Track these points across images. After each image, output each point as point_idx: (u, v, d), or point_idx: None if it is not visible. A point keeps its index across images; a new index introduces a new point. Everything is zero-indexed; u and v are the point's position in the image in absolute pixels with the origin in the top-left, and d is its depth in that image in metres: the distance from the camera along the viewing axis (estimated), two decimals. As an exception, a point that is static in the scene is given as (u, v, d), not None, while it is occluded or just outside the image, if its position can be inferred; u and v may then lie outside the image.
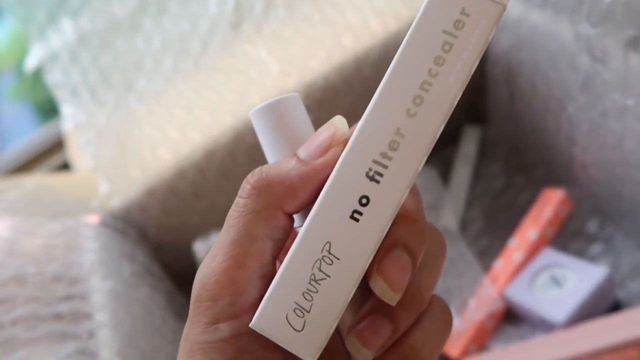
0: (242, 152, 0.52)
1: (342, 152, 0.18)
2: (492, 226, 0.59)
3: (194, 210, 0.53)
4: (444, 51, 0.18)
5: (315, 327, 0.17)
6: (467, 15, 0.17)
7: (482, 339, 0.51)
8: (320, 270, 0.17)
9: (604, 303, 0.48)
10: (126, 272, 0.45)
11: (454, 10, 0.17)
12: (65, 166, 0.87)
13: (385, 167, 0.17)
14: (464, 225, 0.60)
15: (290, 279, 0.17)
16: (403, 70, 0.18)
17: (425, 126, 0.17)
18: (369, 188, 0.17)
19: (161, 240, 0.53)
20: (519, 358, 0.46)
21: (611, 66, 0.36)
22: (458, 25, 0.17)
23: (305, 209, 0.19)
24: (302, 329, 0.17)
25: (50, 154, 0.92)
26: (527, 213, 0.56)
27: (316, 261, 0.17)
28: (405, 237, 0.18)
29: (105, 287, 0.41)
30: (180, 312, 0.51)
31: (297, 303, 0.17)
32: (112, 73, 0.54)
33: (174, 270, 0.55)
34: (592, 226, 0.55)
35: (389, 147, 0.17)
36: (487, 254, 0.56)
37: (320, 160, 0.18)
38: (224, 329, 0.18)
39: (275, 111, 0.21)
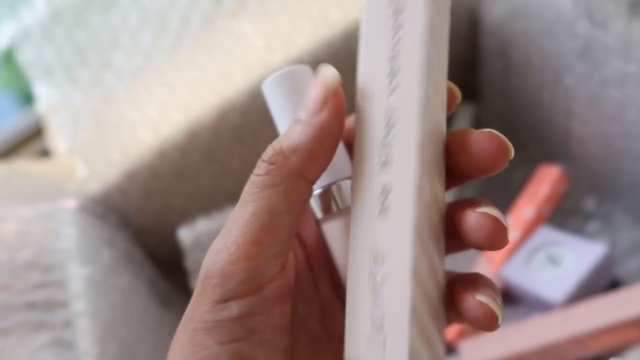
0: (226, 131, 0.50)
1: (340, 99, 0.18)
2: (486, 205, 0.58)
3: (177, 193, 0.50)
4: (397, 28, 0.18)
5: (394, 338, 0.16)
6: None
7: (477, 321, 0.49)
8: (377, 280, 0.16)
9: (602, 281, 0.47)
10: (106, 259, 0.42)
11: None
12: (46, 153, 0.85)
13: (392, 145, 0.17)
14: (457, 205, 0.58)
15: (354, 300, 0.16)
16: (371, 56, 0.18)
17: (408, 91, 0.17)
18: (384, 176, 0.17)
19: (143, 225, 0.51)
20: (516, 339, 0.44)
21: (612, 30, 0.34)
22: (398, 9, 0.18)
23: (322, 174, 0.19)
24: (385, 346, 0.16)
25: (31, 141, 0.89)
26: (523, 191, 0.55)
27: (370, 272, 0.16)
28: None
29: (82, 274, 0.39)
30: (165, 300, 0.49)
31: (371, 322, 0.16)
32: (88, 50, 0.51)
33: (158, 256, 0.53)
34: (589, 203, 0.54)
35: (386, 127, 0.17)
36: (482, 234, 0.55)
37: (323, 115, 0.17)
38: (233, 307, 0.17)
39: (291, 80, 0.21)
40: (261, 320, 0.17)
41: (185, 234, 0.49)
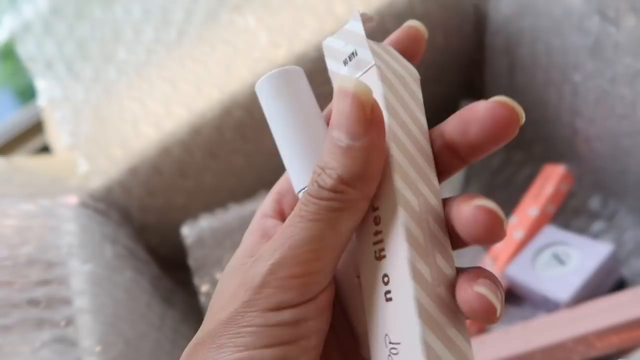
0: (229, 128, 0.50)
1: (380, 114, 0.18)
2: (491, 204, 0.57)
3: (180, 190, 0.50)
4: None
5: None
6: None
7: (482, 320, 0.49)
8: None
9: (608, 281, 0.47)
10: (108, 255, 0.42)
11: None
12: (45, 149, 0.84)
13: (381, 241, 0.18)
14: (461, 203, 0.58)
15: None
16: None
17: (385, 189, 0.18)
18: (382, 267, 0.17)
19: (145, 221, 0.50)
20: (521, 339, 0.44)
21: (625, 27, 0.34)
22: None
23: None
24: None
25: (30, 137, 0.88)
26: (528, 190, 0.54)
27: (388, 358, 0.17)
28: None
29: (84, 270, 0.38)
30: (167, 297, 0.48)
31: None
32: (89, 44, 0.50)
33: (160, 253, 0.53)
34: (595, 202, 0.53)
35: (374, 223, 0.18)
36: (487, 233, 0.54)
37: (371, 137, 0.17)
38: (286, 314, 0.17)
39: (285, 80, 0.21)
40: (311, 325, 0.18)
41: (188, 231, 0.49)
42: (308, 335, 0.18)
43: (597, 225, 0.52)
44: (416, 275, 0.17)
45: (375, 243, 0.18)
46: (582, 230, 0.52)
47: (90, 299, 0.37)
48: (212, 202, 0.50)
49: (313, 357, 0.18)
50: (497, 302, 0.16)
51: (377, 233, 0.18)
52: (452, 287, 0.18)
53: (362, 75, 0.19)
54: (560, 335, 0.43)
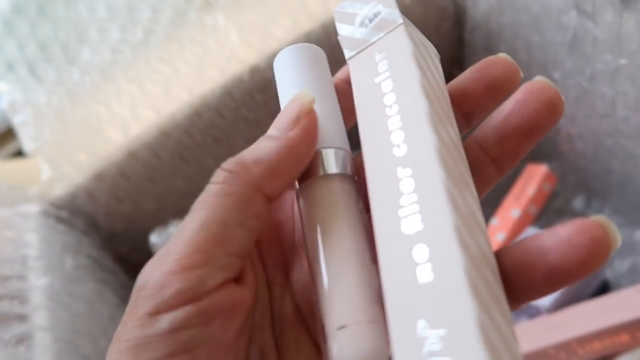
0: (199, 130, 0.48)
1: (312, 120, 0.17)
2: (472, 205, 0.56)
3: (148, 195, 0.48)
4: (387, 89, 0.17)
5: None
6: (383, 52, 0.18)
7: (463, 326, 0.48)
8: (435, 356, 0.12)
9: (592, 284, 0.45)
10: (67, 267, 0.40)
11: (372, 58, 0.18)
12: (20, 153, 0.82)
13: (413, 207, 0.14)
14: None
15: None
16: (368, 123, 0.17)
17: (415, 136, 0.15)
18: (415, 238, 0.14)
19: (113, 229, 0.48)
20: (503, 345, 0.43)
21: (602, 22, 0.32)
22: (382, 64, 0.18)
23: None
24: None
25: (6, 140, 0.86)
26: (510, 190, 0.53)
27: (422, 349, 0.13)
28: None
29: (41, 284, 0.36)
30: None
31: None
32: (52, 45, 0.48)
33: (131, 261, 0.51)
34: (578, 203, 0.52)
35: (401, 190, 0.15)
36: (468, 235, 0.53)
37: (294, 132, 0.17)
38: (163, 320, 0.15)
39: (307, 54, 0.20)
40: (194, 335, 0.15)
41: (158, 239, 0.47)
42: (193, 347, 0.15)
43: (581, 226, 0.51)
44: (462, 244, 0.13)
45: (403, 211, 0.14)
46: (566, 232, 0.51)
47: (46, 314, 0.35)
48: (183, 208, 0.48)
49: None
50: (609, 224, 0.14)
51: (405, 200, 0.14)
52: (492, 263, 0.14)
53: (385, 35, 0.18)
54: (542, 341, 0.41)
